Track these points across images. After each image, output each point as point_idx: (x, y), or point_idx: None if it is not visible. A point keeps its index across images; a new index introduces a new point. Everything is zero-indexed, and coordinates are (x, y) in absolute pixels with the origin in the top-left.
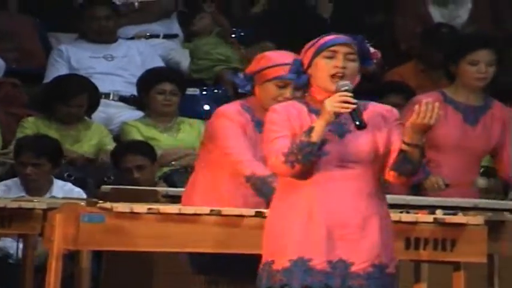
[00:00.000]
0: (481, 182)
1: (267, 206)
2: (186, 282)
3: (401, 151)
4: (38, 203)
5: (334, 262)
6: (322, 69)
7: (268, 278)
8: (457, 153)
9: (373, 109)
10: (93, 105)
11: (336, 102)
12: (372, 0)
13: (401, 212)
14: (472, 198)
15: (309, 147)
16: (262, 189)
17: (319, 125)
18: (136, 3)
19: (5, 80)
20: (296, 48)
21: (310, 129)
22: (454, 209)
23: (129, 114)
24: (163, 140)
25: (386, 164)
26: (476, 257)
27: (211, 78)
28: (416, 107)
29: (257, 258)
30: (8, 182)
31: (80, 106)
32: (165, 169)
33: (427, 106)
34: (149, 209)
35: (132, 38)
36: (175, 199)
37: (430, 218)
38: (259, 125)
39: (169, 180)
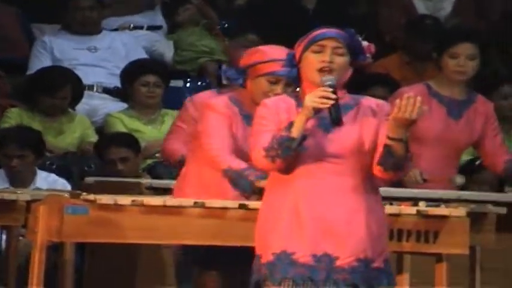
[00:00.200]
0: (459, 180)
1: (247, 198)
2: (169, 275)
3: (385, 145)
4: (22, 195)
5: (319, 256)
6: (311, 63)
7: (256, 272)
8: (439, 147)
9: (365, 103)
10: (76, 97)
11: (316, 97)
12: None
13: (384, 204)
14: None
15: (288, 142)
16: (239, 183)
17: (299, 120)
18: None
19: None
20: (280, 40)
21: (291, 124)
22: (437, 201)
23: (113, 106)
24: (147, 132)
25: (374, 159)
26: (459, 249)
27: (195, 70)
28: (398, 101)
29: (250, 250)
30: None
31: (63, 98)
32: (149, 161)
33: (408, 100)
34: (133, 201)
35: (116, 30)
36: (159, 191)
37: (413, 210)
38: (247, 118)
39: (153, 172)
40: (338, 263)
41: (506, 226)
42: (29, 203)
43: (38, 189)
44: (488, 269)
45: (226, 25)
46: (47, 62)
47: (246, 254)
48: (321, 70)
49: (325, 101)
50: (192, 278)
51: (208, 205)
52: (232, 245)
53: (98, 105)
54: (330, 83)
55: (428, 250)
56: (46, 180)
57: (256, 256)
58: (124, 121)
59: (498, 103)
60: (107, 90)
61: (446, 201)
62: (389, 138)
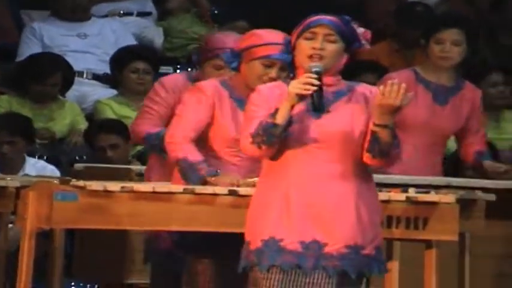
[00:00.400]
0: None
1: None
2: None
3: (371, 132)
4: (11, 181)
5: (307, 243)
6: (302, 50)
7: (245, 258)
8: (424, 133)
9: (359, 90)
10: (67, 84)
11: (299, 84)
12: None
13: None
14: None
15: (273, 128)
16: (189, 175)
17: (284, 107)
18: None
19: None
20: (269, 28)
21: (276, 111)
22: (426, 188)
23: (103, 93)
24: None
25: (363, 146)
26: (448, 235)
27: (185, 56)
28: (381, 87)
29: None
30: None
31: (54, 85)
32: (139, 148)
33: (392, 86)
34: (123, 187)
35: (105, 16)
36: None
37: (402, 196)
38: (240, 102)
39: (143, 158)
40: (327, 249)
41: (495, 213)
42: (18, 189)
43: (27, 175)
44: (478, 255)
45: (216, 12)
46: (36, 49)
47: (238, 241)
48: (311, 57)
49: (308, 87)
50: (163, 267)
51: (198, 191)
52: (222, 231)
53: (88, 92)
54: (316, 69)
55: (418, 236)
56: (35, 167)
57: (246, 242)
58: (113, 108)
59: (486, 91)
60: (96, 77)
61: (436, 188)
62: (375, 124)
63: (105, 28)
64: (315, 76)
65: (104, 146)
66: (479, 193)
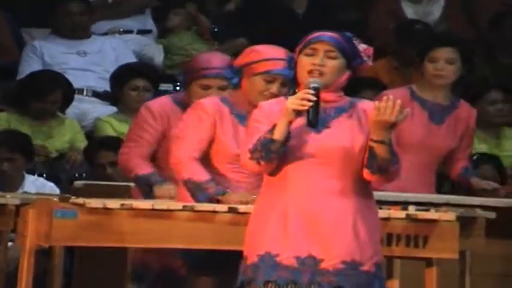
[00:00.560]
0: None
1: None
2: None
3: (369, 148)
4: (11, 199)
5: (303, 258)
6: (303, 66)
7: (242, 273)
8: (420, 151)
9: (360, 106)
10: (67, 101)
11: (296, 99)
12: None
13: None
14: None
15: (271, 144)
16: (197, 195)
17: (281, 123)
18: None
19: None
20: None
21: (273, 127)
22: (426, 205)
23: (103, 110)
24: None
25: (363, 162)
26: (448, 253)
27: None
28: (376, 103)
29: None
30: None
31: (54, 102)
32: None
33: (387, 102)
34: (122, 204)
35: (105, 34)
36: None
37: (402, 214)
38: (241, 117)
39: None
40: (323, 265)
41: (495, 231)
42: (18, 207)
43: (27, 193)
44: (478, 274)
45: (216, 29)
46: (37, 67)
47: (238, 259)
48: (310, 72)
49: (305, 102)
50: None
51: (197, 208)
52: (221, 248)
53: (88, 109)
54: (314, 85)
55: (418, 254)
56: (34, 184)
57: (243, 257)
58: (113, 125)
59: (485, 108)
60: (96, 94)
61: (435, 206)
62: (372, 140)
63: (105, 46)
64: (313, 92)
65: (103, 163)
66: (479, 211)
